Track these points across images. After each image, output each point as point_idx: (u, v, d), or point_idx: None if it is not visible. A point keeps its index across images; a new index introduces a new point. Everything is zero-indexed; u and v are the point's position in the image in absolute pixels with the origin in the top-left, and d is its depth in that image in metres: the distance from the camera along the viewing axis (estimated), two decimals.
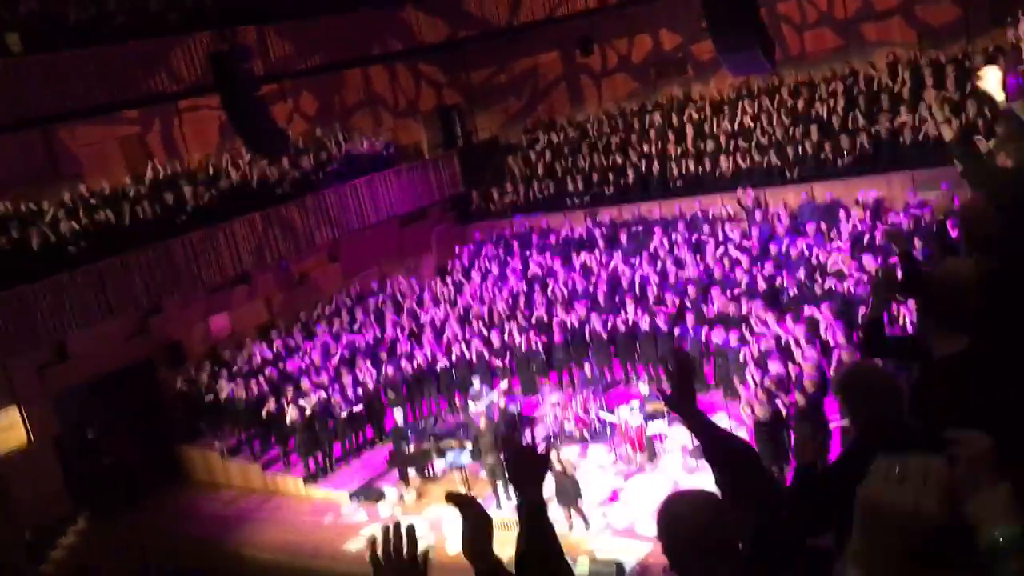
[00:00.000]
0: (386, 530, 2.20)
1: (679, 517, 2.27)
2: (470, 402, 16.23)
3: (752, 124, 19.87)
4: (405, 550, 2.17)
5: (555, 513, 13.17)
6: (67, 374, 16.29)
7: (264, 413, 16.15)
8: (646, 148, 21.15)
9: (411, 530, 2.21)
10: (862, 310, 13.88)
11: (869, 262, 15.10)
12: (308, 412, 15.67)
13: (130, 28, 16.90)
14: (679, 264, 17.87)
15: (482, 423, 14.08)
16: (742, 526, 2.45)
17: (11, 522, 15.02)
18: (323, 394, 16.15)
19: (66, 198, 16.78)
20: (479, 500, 2.52)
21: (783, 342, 14.10)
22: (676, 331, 15.88)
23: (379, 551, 2.18)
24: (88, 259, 15.79)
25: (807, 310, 14.65)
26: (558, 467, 12.48)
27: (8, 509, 15.06)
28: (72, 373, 16.31)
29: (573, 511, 12.65)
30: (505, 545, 2.27)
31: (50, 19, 16.27)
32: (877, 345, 4.21)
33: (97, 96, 15.86)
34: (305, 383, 16.57)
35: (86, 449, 16.99)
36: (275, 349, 18.36)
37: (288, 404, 15.95)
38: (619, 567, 11.24)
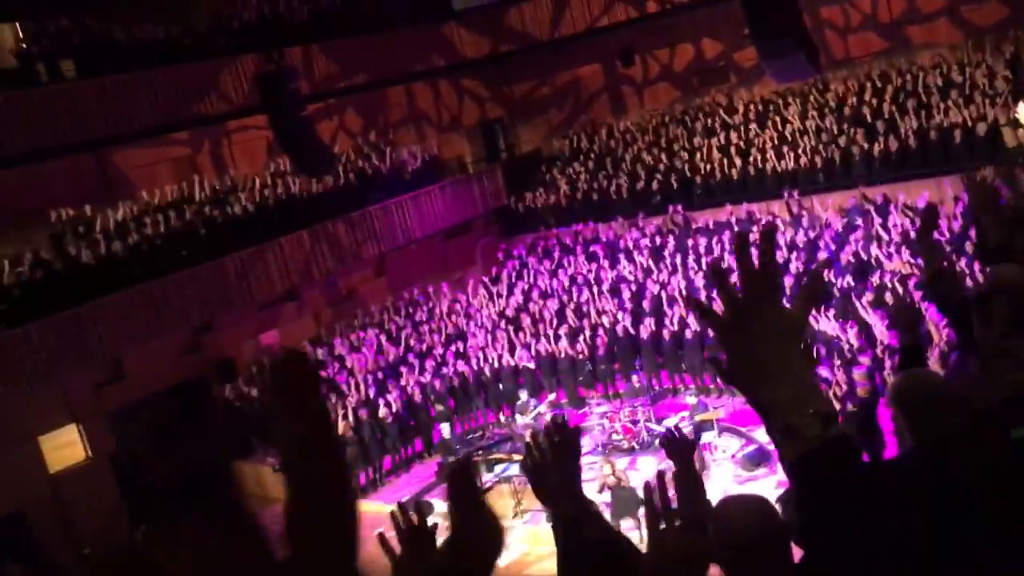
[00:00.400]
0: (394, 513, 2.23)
1: (729, 519, 2.26)
2: (517, 415, 16.26)
3: (798, 128, 19.68)
4: (415, 522, 2.19)
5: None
6: (123, 392, 16.61)
7: None
8: (689, 155, 21.05)
9: (421, 506, 2.24)
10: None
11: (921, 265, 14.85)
12: (354, 423, 15.79)
13: (179, 51, 17.29)
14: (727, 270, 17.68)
15: (528, 436, 14.07)
16: (793, 529, 2.44)
17: (69, 537, 15.33)
18: (369, 406, 16.27)
19: (118, 216, 17.09)
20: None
21: (834, 346, 13.92)
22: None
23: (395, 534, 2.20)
24: (141, 278, 16.12)
25: (859, 314, 14.46)
26: (614, 479, 12.42)
27: (66, 524, 15.38)
28: (128, 391, 16.63)
29: (624, 524, 12.58)
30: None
31: (102, 45, 16.71)
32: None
33: (148, 119, 16.25)
34: (353, 396, 16.71)
35: (141, 466, 17.29)
36: (323, 362, 18.52)
37: (337, 417, 16.10)
38: None
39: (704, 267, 18.15)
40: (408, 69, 21.40)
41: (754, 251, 1.56)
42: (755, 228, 18.54)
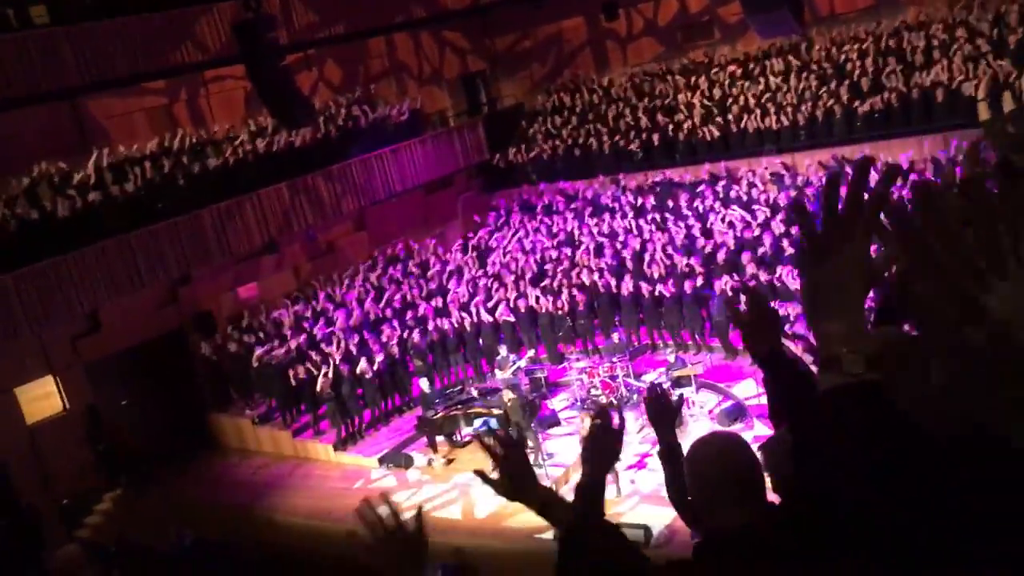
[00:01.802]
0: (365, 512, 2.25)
1: (704, 453, 2.30)
2: (497, 369, 16.33)
3: (780, 85, 19.62)
4: (392, 521, 2.21)
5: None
6: (100, 344, 16.52)
7: (295, 381, 16.31)
8: (671, 111, 20.96)
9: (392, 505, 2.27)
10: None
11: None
12: (333, 379, 15.80)
13: None
14: (706, 229, 17.77)
15: (507, 391, 14.14)
16: (766, 468, 2.48)
17: (47, 488, 15.34)
18: (350, 361, 16.27)
19: (90, 168, 16.86)
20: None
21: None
22: (704, 295, 15.85)
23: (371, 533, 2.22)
24: (117, 230, 15.94)
25: None
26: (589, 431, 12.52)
27: (44, 475, 15.38)
28: (105, 343, 16.54)
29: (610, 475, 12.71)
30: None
31: None
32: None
33: (123, 67, 15.95)
34: (333, 350, 16.70)
35: (120, 418, 17.23)
36: (301, 316, 18.48)
37: (317, 371, 16.10)
38: (647, 531, 11.30)
39: (684, 226, 18.17)
40: (389, 20, 21.07)
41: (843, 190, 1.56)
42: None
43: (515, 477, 2.44)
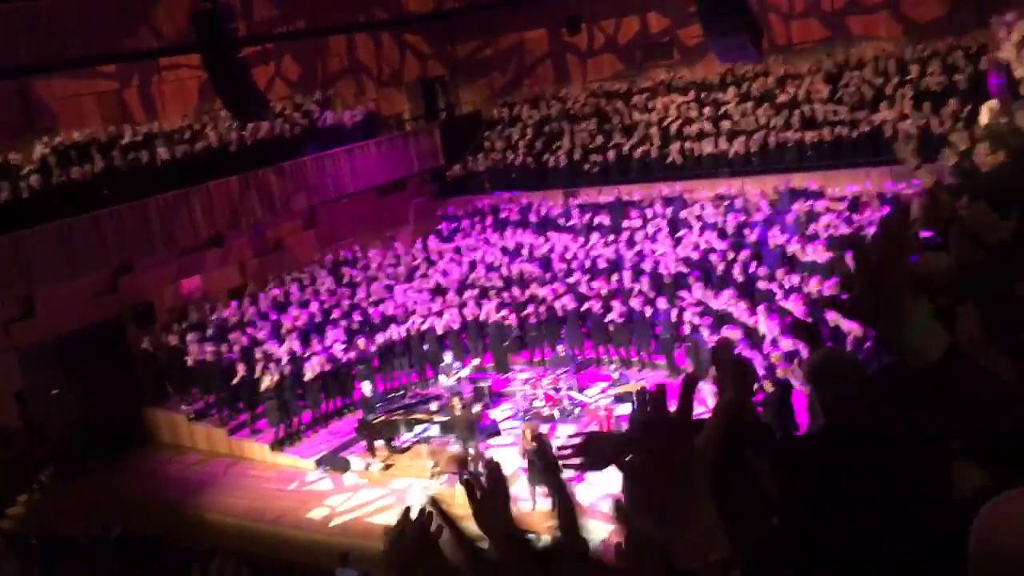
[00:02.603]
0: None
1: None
2: (441, 376, 16.25)
3: (735, 111, 19.90)
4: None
5: (521, 489, 13.23)
6: (34, 330, 16.08)
7: (236, 379, 16.04)
8: (628, 130, 21.13)
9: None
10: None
11: (845, 256, 15.19)
12: (278, 379, 15.59)
13: None
14: (655, 249, 17.92)
15: (454, 400, 14.07)
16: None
17: None
18: (293, 361, 16.07)
19: (37, 151, 16.47)
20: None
21: (755, 331, 14.21)
22: (648, 314, 15.96)
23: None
24: (58, 214, 15.56)
25: (780, 301, 14.77)
26: (530, 445, 12.51)
27: None
28: (39, 329, 16.10)
29: (539, 489, 12.68)
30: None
31: None
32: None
33: (75, 49, 15.60)
34: (276, 350, 16.47)
35: (51, 406, 16.79)
36: (246, 314, 18.22)
37: (258, 370, 15.86)
38: None
39: (638, 242, 18.32)
40: (350, 19, 20.95)
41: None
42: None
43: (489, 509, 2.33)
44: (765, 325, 14.04)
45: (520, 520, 2.11)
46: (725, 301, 15.23)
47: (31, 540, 13.96)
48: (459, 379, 16.05)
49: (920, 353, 1.55)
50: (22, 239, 14.98)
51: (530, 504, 12.73)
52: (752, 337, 14.12)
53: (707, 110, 20.28)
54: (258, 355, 16.37)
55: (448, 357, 16.51)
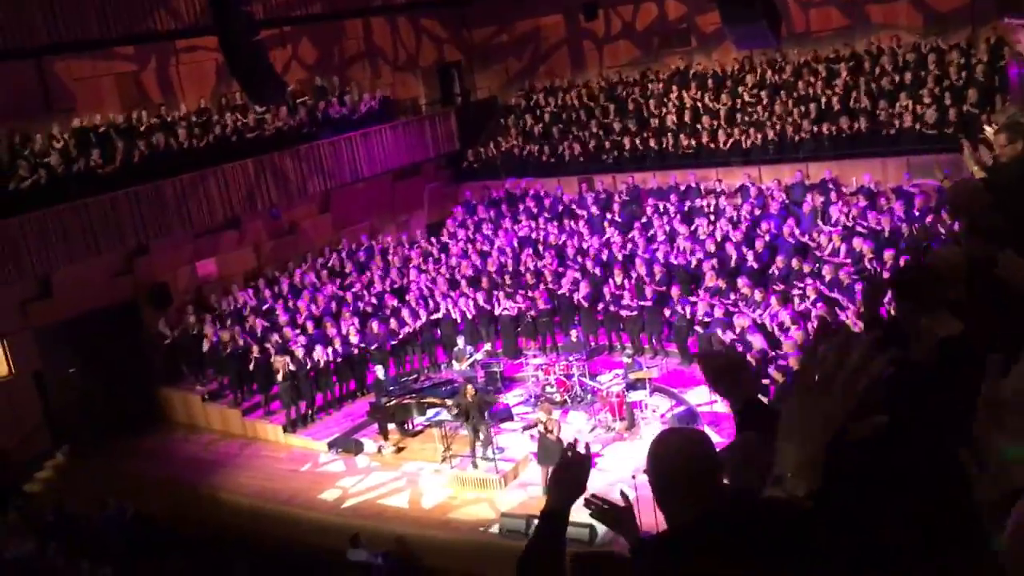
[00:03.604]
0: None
1: (666, 449, 2.34)
2: (454, 361, 16.31)
3: (752, 100, 19.80)
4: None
5: (532, 474, 13.31)
6: (51, 310, 16.22)
7: (252, 361, 16.14)
8: (644, 117, 21.06)
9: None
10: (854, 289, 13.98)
11: (859, 244, 15.15)
12: (292, 362, 15.68)
13: None
14: (670, 236, 17.91)
15: (467, 385, 14.12)
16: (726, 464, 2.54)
17: None
18: (307, 345, 16.16)
19: (56, 131, 16.57)
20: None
21: (768, 320, 14.20)
22: (662, 302, 15.98)
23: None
24: (77, 195, 15.66)
25: (795, 290, 14.75)
26: (547, 430, 12.55)
27: None
28: (56, 309, 16.23)
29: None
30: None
31: None
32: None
33: (93, 29, 15.63)
34: (290, 333, 16.57)
35: (67, 385, 16.94)
36: (261, 297, 18.32)
37: (273, 352, 15.96)
38: (592, 530, 11.34)
39: (649, 232, 18.31)
40: (367, 3, 20.93)
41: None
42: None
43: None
44: (779, 314, 14.03)
45: None
46: (739, 290, 15.22)
47: (47, 517, 14.13)
48: (472, 364, 16.12)
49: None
50: (40, 219, 15.10)
51: (541, 488, 12.80)
52: (765, 327, 14.11)
53: (724, 99, 20.17)
54: (273, 338, 16.48)
55: (461, 342, 16.57)
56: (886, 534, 2.27)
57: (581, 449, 2.65)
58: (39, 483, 15.65)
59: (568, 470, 2.47)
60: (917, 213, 15.58)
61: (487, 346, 16.93)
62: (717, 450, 2.38)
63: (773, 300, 14.42)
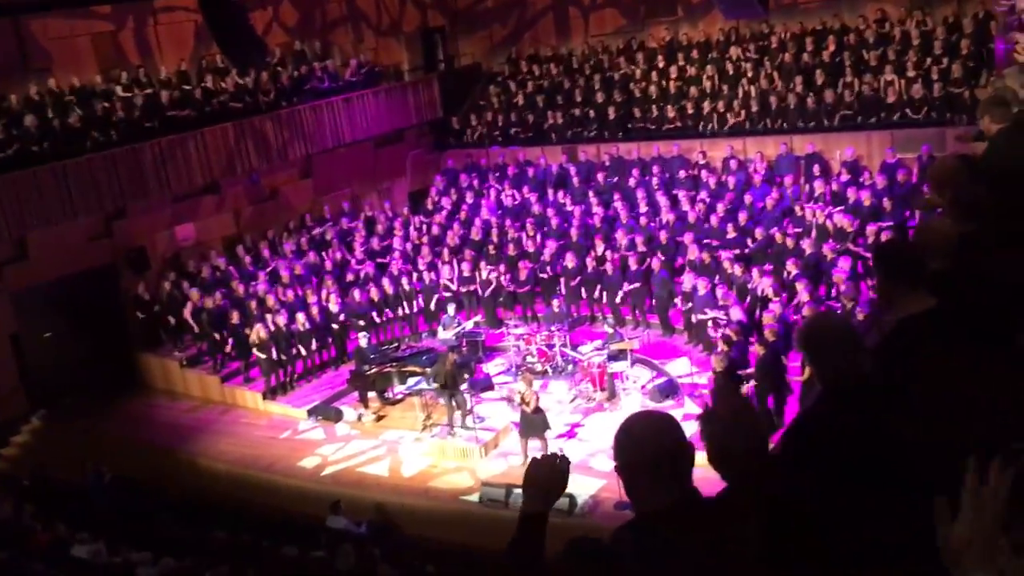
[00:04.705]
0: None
1: (633, 435, 2.32)
2: (440, 328, 16.27)
3: (737, 71, 19.70)
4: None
5: (513, 443, 13.34)
6: (27, 273, 16.01)
7: (229, 328, 16.03)
8: (629, 88, 20.93)
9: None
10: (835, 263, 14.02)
11: (841, 219, 15.19)
12: (272, 329, 15.59)
13: None
14: (653, 207, 17.88)
15: (450, 353, 14.10)
16: (703, 437, 2.57)
17: None
18: (287, 312, 16.07)
19: (32, 92, 16.29)
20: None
21: (749, 292, 14.23)
22: (643, 273, 15.98)
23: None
24: (53, 156, 15.41)
25: (775, 262, 14.79)
26: (528, 404, 12.54)
27: None
28: (32, 272, 16.03)
29: (532, 443, 12.78)
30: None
31: None
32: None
33: None
34: (271, 299, 16.46)
35: (44, 349, 16.79)
36: (242, 263, 18.17)
37: (252, 319, 15.86)
38: (572, 500, 11.40)
39: (635, 201, 18.27)
40: None
41: None
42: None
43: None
44: (760, 287, 14.07)
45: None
46: (722, 261, 15.25)
47: (23, 481, 14.05)
48: (458, 333, 16.09)
49: None
50: (16, 180, 14.86)
51: (521, 459, 12.84)
52: (744, 297, 14.15)
53: (709, 69, 20.06)
54: (252, 304, 16.37)
55: (452, 310, 16.51)
56: (863, 528, 2.27)
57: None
58: (15, 447, 15.54)
59: (546, 473, 2.40)
60: (899, 187, 15.63)
61: (476, 317, 16.91)
62: (686, 433, 2.35)
63: (755, 273, 14.45)
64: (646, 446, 2.27)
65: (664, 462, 2.25)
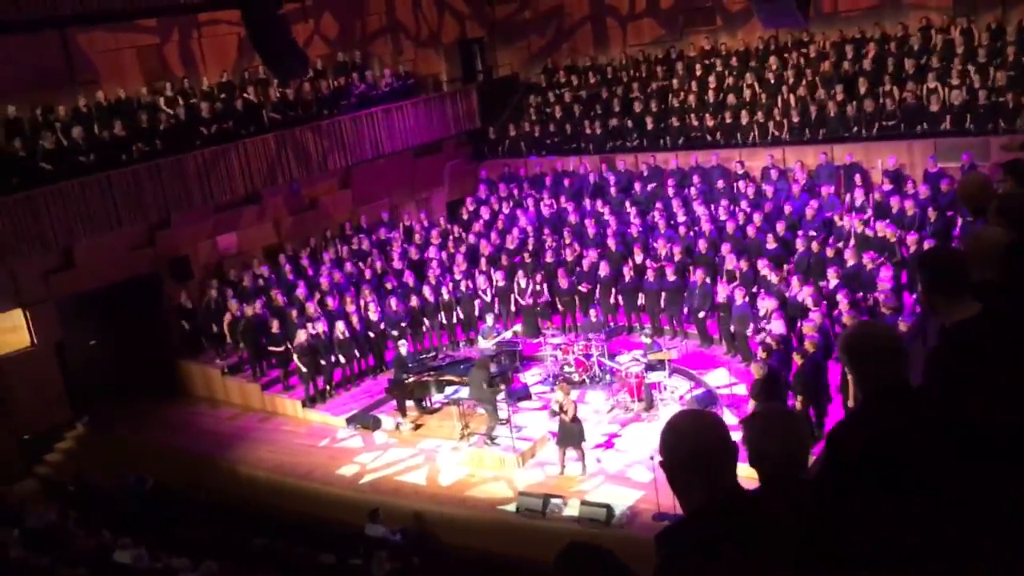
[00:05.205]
0: None
1: (678, 433, 2.37)
2: (480, 337, 16.31)
3: (777, 80, 19.54)
4: None
5: (552, 452, 13.29)
6: (72, 281, 16.31)
7: (271, 336, 16.18)
8: (667, 97, 20.86)
9: None
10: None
11: (883, 228, 15.00)
12: (312, 337, 15.71)
13: None
14: (692, 217, 17.78)
15: (488, 362, 14.11)
16: (745, 441, 2.62)
17: (10, 422, 15.17)
18: (327, 320, 16.18)
19: (80, 104, 16.63)
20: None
21: (788, 302, 14.09)
22: (682, 283, 15.89)
23: None
24: (100, 167, 15.70)
25: (815, 272, 14.63)
26: (566, 413, 12.49)
27: (7, 409, 15.19)
28: (77, 281, 16.33)
29: (569, 454, 12.74)
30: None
31: None
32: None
33: (117, 2, 15.63)
34: (311, 308, 16.59)
35: (88, 357, 17.07)
36: (282, 272, 18.35)
37: (293, 327, 15.99)
38: (609, 510, 11.34)
39: (669, 213, 18.18)
40: None
41: None
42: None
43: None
44: (800, 296, 13.92)
45: None
46: (761, 271, 15.11)
47: (68, 487, 14.29)
48: (497, 342, 16.10)
49: None
50: (64, 191, 15.15)
51: (558, 468, 12.80)
52: (785, 308, 14.00)
53: (748, 78, 19.93)
54: (293, 313, 16.51)
55: (490, 319, 16.55)
56: (896, 528, 2.24)
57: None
58: (60, 453, 15.80)
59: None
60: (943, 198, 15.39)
61: (516, 327, 16.92)
62: (730, 432, 2.36)
63: (794, 282, 14.30)
64: (688, 442, 2.32)
65: (705, 458, 2.29)
